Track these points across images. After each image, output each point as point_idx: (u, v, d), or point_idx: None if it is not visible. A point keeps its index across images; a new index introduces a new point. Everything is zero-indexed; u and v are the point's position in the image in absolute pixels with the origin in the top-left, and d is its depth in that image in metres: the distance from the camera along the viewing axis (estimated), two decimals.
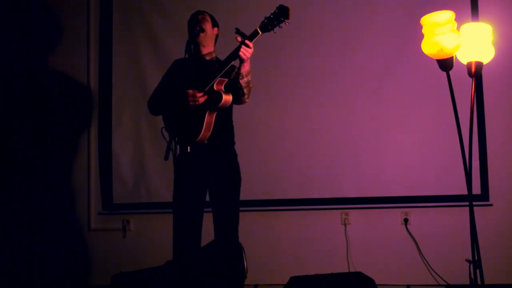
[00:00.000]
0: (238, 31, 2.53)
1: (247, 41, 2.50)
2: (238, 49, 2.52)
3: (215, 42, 2.88)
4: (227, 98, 2.62)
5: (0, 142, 3.99)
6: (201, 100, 2.60)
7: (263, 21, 2.49)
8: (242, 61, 2.55)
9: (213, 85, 2.60)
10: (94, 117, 4.31)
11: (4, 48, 4.07)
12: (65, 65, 4.39)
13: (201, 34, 2.74)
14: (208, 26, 2.78)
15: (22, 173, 4.16)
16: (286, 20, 2.45)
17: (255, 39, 2.52)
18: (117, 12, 4.31)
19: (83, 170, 4.28)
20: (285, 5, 2.45)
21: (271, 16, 2.46)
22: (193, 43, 2.76)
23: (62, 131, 4.36)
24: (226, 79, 2.64)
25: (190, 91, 2.61)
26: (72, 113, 4.35)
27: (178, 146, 2.73)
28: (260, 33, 2.50)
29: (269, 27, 2.48)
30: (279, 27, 2.47)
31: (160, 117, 2.87)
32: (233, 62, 2.59)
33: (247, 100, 2.72)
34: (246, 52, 2.51)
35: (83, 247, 4.24)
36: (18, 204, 4.07)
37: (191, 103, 2.60)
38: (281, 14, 2.44)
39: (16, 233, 4.05)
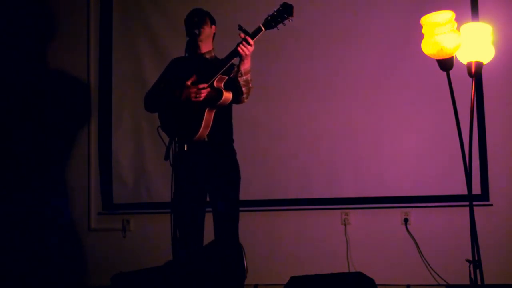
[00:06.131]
0: (240, 28, 2.54)
1: (247, 38, 2.50)
2: (238, 45, 2.52)
3: (213, 39, 2.87)
4: (228, 95, 2.61)
5: (0, 141, 3.99)
6: (204, 92, 2.58)
7: (267, 18, 2.50)
8: (241, 58, 2.55)
9: (213, 82, 2.60)
10: (94, 117, 4.31)
11: (4, 47, 4.07)
12: (65, 65, 4.39)
13: (201, 36, 2.74)
14: (207, 26, 2.78)
15: (22, 173, 4.16)
16: (290, 17, 2.47)
17: (258, 36, 2.53)
18: (117, 12, 4.31)
19: (83, 170, 4.28)
20: (289, 2, 2.47)
21: (275, 13, 2.48)
22: (193, 43, 2.76)
23: (62, 131, 4.36)
24: (226, 77, 2.64)
25: (191, 83, 2.59)
26: (72, 113, 4.35)
27: (177, 146, 2.73)
28: (264, 30, 2.52)
29: (273, 24, 2.49)
30: (283, 24, 2.49)
31: None
32: (234, 60, 2.59)
33: (245, 100, 2.71)
34: (245, 49, 2.51)
35: (83, 247, 4.24)
36: (18, 204, 4.08)
37: (192, 94, 2.58)
38: (285, 11, 2.46)
39: (16, 233, 4.05)
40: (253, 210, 3.80)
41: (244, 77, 2.61)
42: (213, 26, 2.84)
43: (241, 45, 2.51)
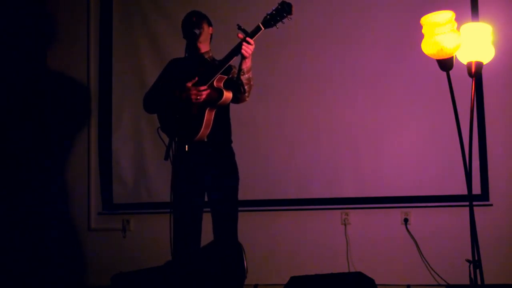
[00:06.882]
0: (239, 28, 2.54)
1: (248, 39, 2.51)
2: (239, 46, 2.53)
3: (210, 41, 2.88)
4: (228, 95, 2.62)
5: (0, 141, 3.99)
6: (204, 94, 2.59)
7: (266, 17, 2.50)
8: (243, 57, 2.56)
9: (213, 82, 2.60)
10: (94, 117, 4.31)
11: (4, 47, 4.07)
12: (65, 65, 4.39)
13: (201, 37, 2.75)
14: (205, 27, 2.78)
15: (22, 173, 4.15)
16: (289, 16, 2.46)
17: (257, 35, 2.53)
18: (117, 12, 4.31)
19: (83, 170, 4.28)
20: (288, 1, 2.46)
21: (274, 12, 2.48)
22: (192, 43, 2.77)
23: (62, 131, 4.36)
24: (226, 76, 2.65)
25: (191, 85, 2.59)
26: (72, 113, 4.35)
27: (177, 146, 2.73)
28: (263, 28, 2.52)
29: (272, 22, 2.49)
30: (282, 22, 2.49)
31: None
32: (233, 59, 2.59)
33: (247, 98, 2.71)
34: (247, 49, 2.53)
35: (83, 247, 4.24)
36: (18, 204, 4.07)
37: (193, 96, 2.59)
38: (284, 10, 2.46)
39: (16, 233, 4.04)
40: (253, 210, 3.80)
41: (246, 75, 2.62)
42: (210, 28, 2.85)
43: (243, 46, 2.51)
